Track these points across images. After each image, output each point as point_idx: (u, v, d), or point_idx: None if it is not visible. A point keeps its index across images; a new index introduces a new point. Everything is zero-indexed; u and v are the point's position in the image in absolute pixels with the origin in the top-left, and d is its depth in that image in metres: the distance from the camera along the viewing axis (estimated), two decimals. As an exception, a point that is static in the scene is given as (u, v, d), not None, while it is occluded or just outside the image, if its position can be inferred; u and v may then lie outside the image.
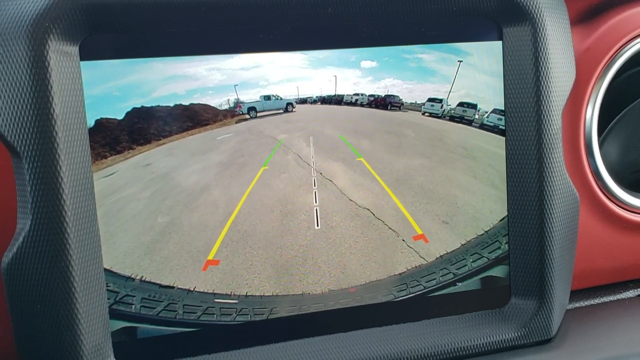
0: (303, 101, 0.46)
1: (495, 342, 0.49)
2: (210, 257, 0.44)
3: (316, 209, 0.46)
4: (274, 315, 0.46)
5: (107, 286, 0.42)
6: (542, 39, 0.47)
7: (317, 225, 0.46)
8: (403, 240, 0.48)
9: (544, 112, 0.48)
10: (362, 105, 0.47)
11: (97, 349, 0.41)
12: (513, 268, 0.50)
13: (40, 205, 0.39)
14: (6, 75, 0.38)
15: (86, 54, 0.40)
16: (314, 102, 0.46)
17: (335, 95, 0.46)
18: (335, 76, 0.46)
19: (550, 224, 0.48)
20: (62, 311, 0.40)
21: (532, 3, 0.47)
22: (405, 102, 0.48)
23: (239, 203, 0.44)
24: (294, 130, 0.46)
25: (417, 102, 0.48)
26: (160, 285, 0.44)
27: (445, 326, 0.49)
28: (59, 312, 0.40)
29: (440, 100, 0.48)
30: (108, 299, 0.42)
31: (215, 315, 0.45)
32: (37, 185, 0.39)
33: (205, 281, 0.44)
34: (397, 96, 0.48)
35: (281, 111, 0.46)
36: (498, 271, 0.50)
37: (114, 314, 0.43)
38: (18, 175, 0.40)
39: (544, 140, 0.48)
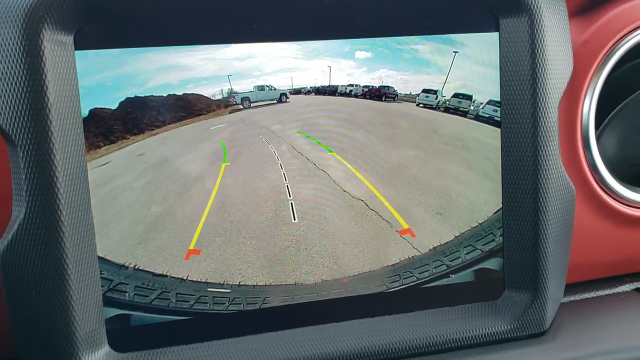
0: (297, 92, 0.46)
1: (488, 334, 0.49)
2: (191, 247, 0.44)
3: (291, 203, 0.46)
4: (267, 305, 0.46)
5: (101, 274, 0.43)
6: (539, 31, 0.47)
7: (295, 219, 0.46)
8: (396, 231, 0.48)
9: (540, 104, 0.47)
10: (356, 96, 0.47)
11: (91, 336, 0.42)
12: (507, 260, 0.50)
13: (35, 194, 0.39)
14: (1, 65, 0.39)
15: (81, 44, 0.41)
16: (308, 92, 0.46)
17: (329, 86, 0.46)
18: (330, 67, 0.46)
19: (545, 216, 0.48)
20: (57, 298, 0.40)
21: (529, -6, 0.46)
22: (400, 93, 0.48)
23: (212, 193, 0.44)
24: (287, 122, 0.46)
25: (412, 93, 0.48)
26: (154, 274, 0.44)
27: (438, 317, 0.49)
28: (53, 299, 0.40)
29: (435, 92, 0.48)
30: (102, 286, 0.43)
31: (208, 304, 0.45)
32: (32, 174, 0.39)
33: (198, 270, 0.45)
34: (392, 87, 0.47)
35: (275, 102, 0.46)
36: (492, 263, 0.50)
37: (108, 302, 0.43)
38: (13, 164, 0.40)
39: (540, 132, 0.47)
